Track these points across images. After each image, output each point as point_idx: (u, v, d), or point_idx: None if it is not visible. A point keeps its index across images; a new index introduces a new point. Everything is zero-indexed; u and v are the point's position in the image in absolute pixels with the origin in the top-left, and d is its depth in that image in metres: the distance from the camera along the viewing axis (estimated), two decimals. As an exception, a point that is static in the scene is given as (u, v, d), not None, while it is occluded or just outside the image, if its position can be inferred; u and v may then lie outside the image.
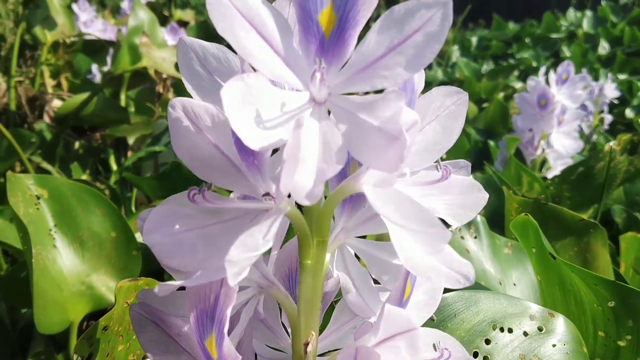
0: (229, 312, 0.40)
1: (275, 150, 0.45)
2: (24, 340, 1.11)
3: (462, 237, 0.90)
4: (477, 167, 1.98)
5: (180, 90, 1.88)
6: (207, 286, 0.41)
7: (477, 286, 0.85)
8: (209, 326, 0.41)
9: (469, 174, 0.48)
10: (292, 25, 0.41)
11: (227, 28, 0.37)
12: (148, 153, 1.68)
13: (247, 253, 0.36)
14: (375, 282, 0.51)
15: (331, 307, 0.54)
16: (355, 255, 0.53)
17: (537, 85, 1.80)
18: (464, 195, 0.46)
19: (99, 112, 1.71)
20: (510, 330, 0.59)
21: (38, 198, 1.00)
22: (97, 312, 1.02)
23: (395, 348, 0.39)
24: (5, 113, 1.81)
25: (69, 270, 0.99)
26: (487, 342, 0.58)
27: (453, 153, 1.98)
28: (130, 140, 1.80)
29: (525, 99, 1.85)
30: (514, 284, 0.89)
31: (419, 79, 0.44)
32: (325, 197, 0.45)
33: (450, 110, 0.46)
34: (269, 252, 0.51)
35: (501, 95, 3.10)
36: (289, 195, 0.39)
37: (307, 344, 0.44)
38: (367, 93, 0.40)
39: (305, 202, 0.35)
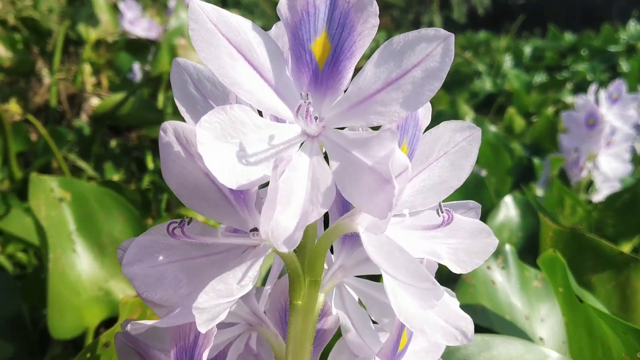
0: (205, 355, 0.37)
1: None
2: (43, 341, 1.11)
3: (488, 268, 0.85)
4: (519, 185, 1.90)
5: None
6: (187, 325, 0.39)
7: (501, 321, 0.81)
8: (187, 366, 0.39)
9: (478, 217, 0.44)
10: (286, 53, 0.38)
11: (210, 56, 0.35)
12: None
13: (219, 299, 0.33)
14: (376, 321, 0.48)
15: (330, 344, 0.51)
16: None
17: (586, 104, 1.73)
18: (471, 240, 0.42)
19: (135, 112, 1.71)
20: (524, 379, 0.55)
21: (61, 201, 1.00)
22: (114, 319, 1.02)
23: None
24: (45, 109, 1.84)
25: (87, 275, 0.99)
26: (499, 390, 0.54)
27: (495, 170, 1.92)
28: (167, 142, 1.80)
29: (572, 117, 1.77)
30: (542, 320, 0.84)
31: (425, 113, 0.41)
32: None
33: (460, 147, 0.43)
34: (264, 283, 0.48)
35: (551, 109, 3.00)
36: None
37: (291, 390, 0.41)
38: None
39: (282, 249, 0.33)
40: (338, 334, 0.50)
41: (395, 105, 0.35)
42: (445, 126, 0.42)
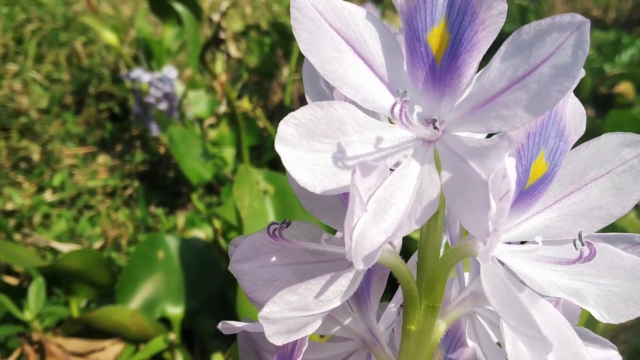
0: (299, 365, 0.35)
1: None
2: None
3: None
4: None
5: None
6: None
7: None
8: (284, 374, 0.37)
9: (645, 254, 0.35)
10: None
11: (312, 47, 0.32)
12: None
13: (291, 312, 0.31)
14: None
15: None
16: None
17: None
18: (629, 283, 0.33)
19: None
20: None
21: (265, 193, 1.06)
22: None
23: None
24: (280, 107, 1.97)
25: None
26: None
27: None
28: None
29: None
30: None
31: (576, 120, 0.33)
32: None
33: (629, 166, 0.34)
34: (388, 299, 0.44)
35: None
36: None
37: None
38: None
39: (360, 266, 0.29)
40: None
41: (518, 108, 0.29)
42: (609, 139, 0.34)
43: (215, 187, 1.74)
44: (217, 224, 1.47)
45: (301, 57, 2.22)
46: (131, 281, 1.07)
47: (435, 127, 0.32)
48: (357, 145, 0.32)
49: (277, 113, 2.02)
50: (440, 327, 0.38)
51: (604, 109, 1.61)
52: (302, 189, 0.39)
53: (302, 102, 1.71)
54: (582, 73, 0.29)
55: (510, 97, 0.29)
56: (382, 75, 0.33)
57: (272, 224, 0.37)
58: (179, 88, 1.77)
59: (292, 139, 0.30)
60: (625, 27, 2.83)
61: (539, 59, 0.28)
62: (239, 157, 1.72)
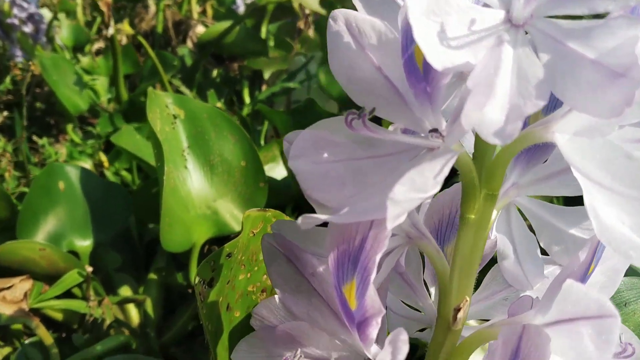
0: (377, 259, 0.34)
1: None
2: (148, 254, 1.14)
3: None
4: None
5: (322, 28, 1.82)
6: (354, 226, 0.36)
7: None
8: (350, 271, 0.36)
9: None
10: None
11: None
12: (282, 89, 1.66)
13: (413, 193, 0.30)
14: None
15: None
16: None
17: None
18: None
19: (239, 42, 1.69)
20: (689, 332, 0.49)
21: (175, 117, 1.00)
22: (219, 239, 1.02)
23: (574, 334, 0.32)
24: (151, 35, 1.85)
25: (197, 193, 0.99)
26: (660, 341, 0.49)
27: None
28: (266, 75, 1.78)
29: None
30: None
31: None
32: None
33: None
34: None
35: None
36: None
37: (458, 309, 0.38)
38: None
39: (494, 141, 0.29)
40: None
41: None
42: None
43: (87, 118, 1.62)
44: (102, 156, 1.37)
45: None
46: (32, 214, 0.97)
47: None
48: (456, 26, 0.31)
49: (147, 42, 1.89)
50: (494, 215, 0.39)
51: None
52: (348, 84, 0.38)
53: (177, 27, 1.61)
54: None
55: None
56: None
57: (350, 112, 0.35)
58: (46, 13, 1.59)
59: (417, 16, 0.29)
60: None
61: None
62: (113, 85, 1.60)
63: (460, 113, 0.30)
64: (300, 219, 0.34)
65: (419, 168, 0.31)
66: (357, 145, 0.39)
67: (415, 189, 0.30)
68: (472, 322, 0.52)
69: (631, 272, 0.57)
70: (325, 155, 0.38)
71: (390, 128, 0.38)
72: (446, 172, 0.31)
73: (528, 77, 0.31)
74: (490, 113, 0.29)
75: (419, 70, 0.35)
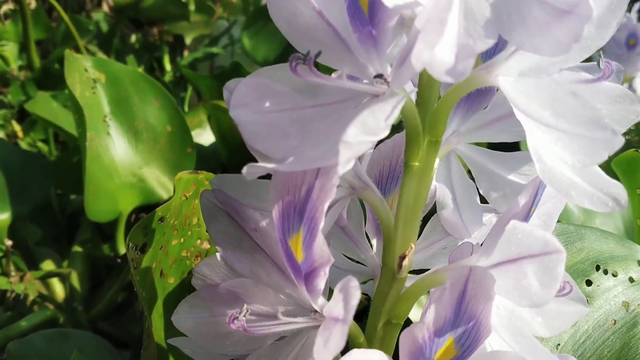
0: (325, 208, 0.33)
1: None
2: (71, 227, 1.09)
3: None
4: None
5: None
6: (299, 176, 0.35)
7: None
8: (297, 222, 0.35)
9: (620, 81, 0.40)
10: None
11: None
12: (205, 54, 1.61)
13: (365, 135, 0.29)
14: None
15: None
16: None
17: (628, 23, 1.65)
18: (612, 105, 0.38)
19: (158, 5, 1.63)
20: (614, 274, 0.52)
21: (95, 82, 0.95)
22: (146, 207, 0.99)
23: (518, 273, 0.33)
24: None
25: (121, 160, 0.95)
26: (588, 283, 0.51)
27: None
28: (188, 40, 1.73)
29: (613, 36, 1.69)
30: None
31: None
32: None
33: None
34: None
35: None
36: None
37: (403, 257, 0.38)
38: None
39: (447, 79, 0.28)
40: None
41: None
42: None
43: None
44: (16, 125, 1.30)
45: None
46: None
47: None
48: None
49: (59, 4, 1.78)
50: (436, 163, 0.39)
51: None
52: (290, 31, 0.37)
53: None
54: None
55: None
56: None
57: (294, 56, 0.34)
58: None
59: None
60: None
61: None
62: (24, 51, 1.51)
63: (410, 54, 0.30)
64: (245, 169, 0.33)
65: (370, 110, 0.30)
66: (301, 94, 0.37)
67: (367, 132, 0.29)
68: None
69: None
70: (268, 104, 0.37)
71: (334, 75, 0.37)
72: (396, 114, 0.31)
73: (476, 16, 0.31)
74: (442, 51, 0.29)
75: (363, 14, 0.34)
